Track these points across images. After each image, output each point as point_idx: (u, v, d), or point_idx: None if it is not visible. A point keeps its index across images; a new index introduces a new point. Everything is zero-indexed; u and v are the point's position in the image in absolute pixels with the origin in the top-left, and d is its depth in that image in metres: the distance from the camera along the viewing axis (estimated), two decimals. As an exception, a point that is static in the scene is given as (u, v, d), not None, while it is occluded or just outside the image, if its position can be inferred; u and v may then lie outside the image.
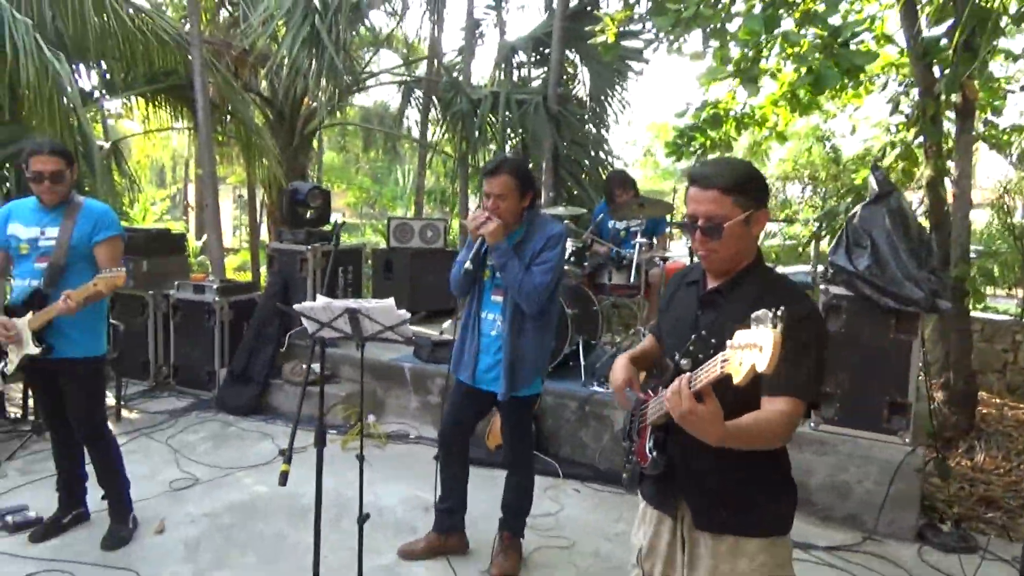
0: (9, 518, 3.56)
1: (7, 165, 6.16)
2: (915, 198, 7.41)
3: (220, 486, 4.17)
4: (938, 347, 6.47)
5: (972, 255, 5.76)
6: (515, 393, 3.10)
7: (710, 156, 7.27)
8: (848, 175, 10.76)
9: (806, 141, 12.73)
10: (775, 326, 1.40)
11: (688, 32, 5.02)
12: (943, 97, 5.34)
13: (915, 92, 6.35)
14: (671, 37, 5.42)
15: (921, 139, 5.87)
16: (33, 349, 3.22)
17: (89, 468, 3.64)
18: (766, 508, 1.91)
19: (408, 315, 2.45)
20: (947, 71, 5.03)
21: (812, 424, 4.03)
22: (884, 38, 6.93)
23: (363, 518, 2.65)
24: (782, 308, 1.42)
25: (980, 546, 3.70)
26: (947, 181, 5.88)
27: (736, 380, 1.45)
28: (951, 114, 5.69)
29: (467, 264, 2.99)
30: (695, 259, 2.12)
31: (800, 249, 10.83)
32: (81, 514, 3.63)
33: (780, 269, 10.13)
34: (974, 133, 6.10)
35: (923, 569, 3.50)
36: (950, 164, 5.82)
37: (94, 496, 3.67)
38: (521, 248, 3.02)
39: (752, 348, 1.42)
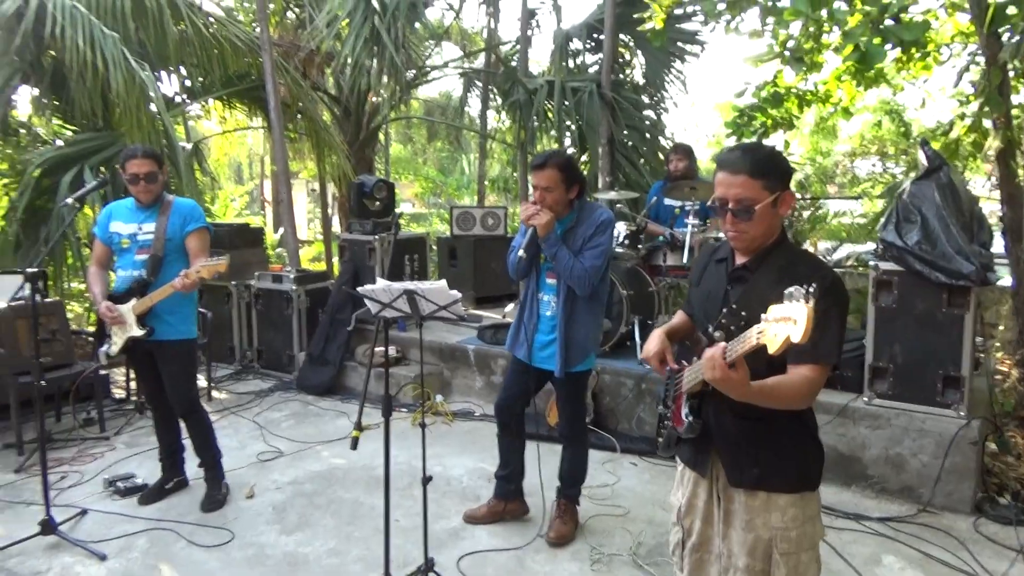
0: (120, 484, 4.00)
1: (102, 168, 6.69)
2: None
3: (302, 458, 4.53)
4: (1014, 325, 6.32)
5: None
6: (569, 369, 3.30)
7: (772, 135, 7.23)
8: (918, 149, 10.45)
9: (876, 116, 12.37)
10: (808, 301, 1.55)
11: (744, 11, 5.05)
12: (1009, 66, 5.21)
13: (983, 62, 6.19)
14: (728, 17, 5.45)
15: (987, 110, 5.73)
16: (137, 331, 3.62)
17: (186, 441, 4.05)
18: (795, 466, 2.05)
19: (459, 295, 2.68)
20: (1014, 39, 4.91)
21: (866, 398, 4.08)
22: (952, 6, 6.75)
23: (426, 479, 2.89)
24: (814, 285, 1.56)
25: (1040, 518, 3.71)
26: (1018, 153, 5.73)
27: (772, 350, 1.59)
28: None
29: (520, 252, 3.19)
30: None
31: (871, 227, 10.60)
32: (182, 481, 4.05)
33: (850, 248, 9.94)
34: (1046, 103, 5.92)
35: (978, 539, 3.54)
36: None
37: (191, 465, 4.08)
38: (572, 234, 3.21)
39: (787, 321, 1.56)
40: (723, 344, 1.78)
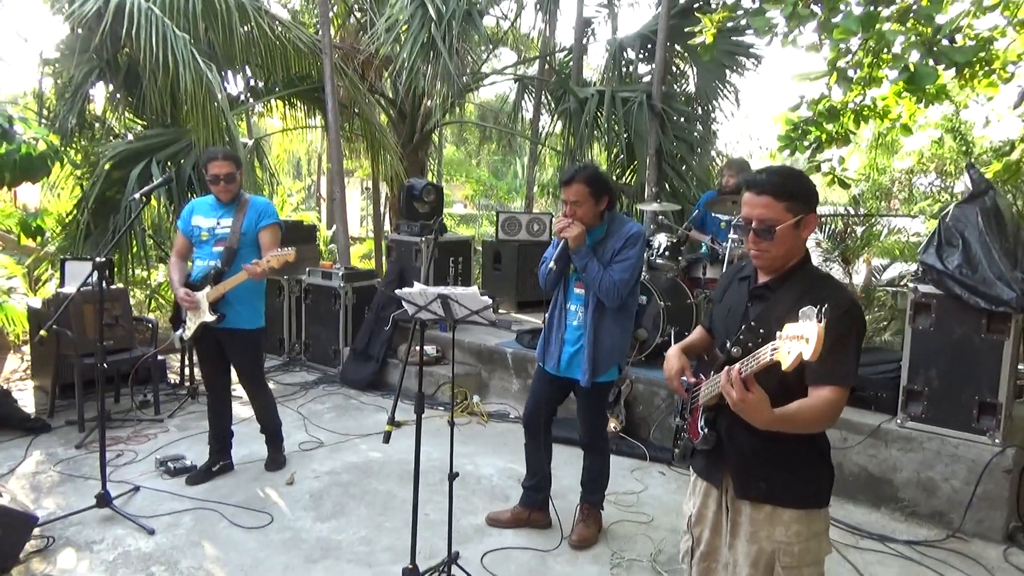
0: (170, 464, 4.24)
1: (168, 163, 7.03)
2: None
3: (341, 449, 4.72)
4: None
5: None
6: (595, 379, 3.37)
7: (826, 149, 7.16)
8: (983, 168, 10.17)
9: (939, 132, 12.06)
10: (820, 320, 1.63)
11: (803, 25, 5.04)
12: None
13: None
14: (786, 30, 5.44)
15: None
16: (209, 317, 3.92)
17: (235, 427, 4.32)
18: (802, 483, 2.10)
19: (490, 301, 2.80)
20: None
21: (899, 420, 4.06)
22: (1021, 24, 6.60)
23: (452, 476, 3.01)
24: (826, 306, 1.63)
25: (1076, 552, 3.65)
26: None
27: (785, 366, 1.67)
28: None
29: (551, 264, 3.27)
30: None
31: (925, 246, 10.35)
32: (227, 464, 4.29)
33: (903, 267, 9.67)
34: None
35: (1006, 568, 3.50)
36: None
37: (238, 451, 4.31)
38: (602, 246, 3.29)
39: (800, 339, 1.64)
40: (739, 363, 1.85)
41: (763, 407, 1.84)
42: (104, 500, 3.66)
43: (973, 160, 10.72)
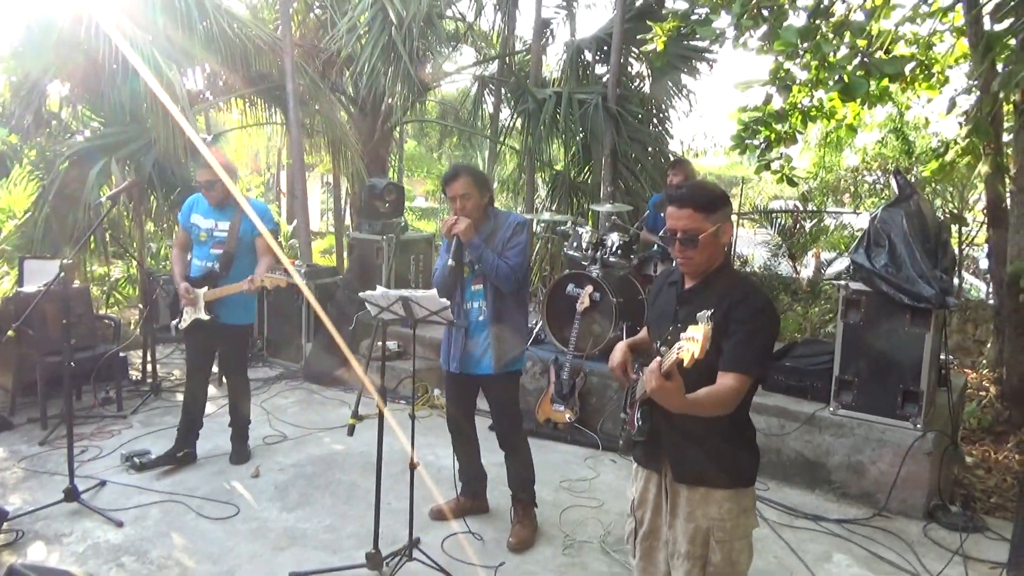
0: (136, 459, 4.34)
1: (127, 161, 7.03)
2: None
3: (304, 443, 4.86)
4: (994, 343, 6.56)
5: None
6: (503, 368, 3.50)
7: (776, 148, 7.47)
8: (921, 168, 10.65)
9: (883, 133, 12.56)
10: (708, 324, 1.85)
11: (752, 31, 5.28)
12: (1001, 95, 5.43)
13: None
14: (736, 34, 5.67)
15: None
16: (204, 316, 4.14)
17: (205, 419, 4.50)
18: (731, 465, 2.33)
19: (447, 302, 2.98)
20: (1007, 68, 5.11)
21: (832, 408, 4.36)
22: (957, 31, 6.95)
23: (413, 466, 3.20)
24: (712, 310, 1.87)
25: (988, 527, 3.97)
26: (1007, 178, 5.96)
27: (686, 363, 1.89)
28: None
29: (449, 261, 3.39)
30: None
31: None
32: (190, 453, 4.43)
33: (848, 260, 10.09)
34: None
35: (925, 543, 3.81)
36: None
37: (203, 445, 4.43)
38: (492, 239, 3.43)
39: (692, 340, 1.86)
40: (659, 359, 2.06)
41: (676, 394, 2.03)
42: (72, 494, 3.75)
43: (915, 159, 11.22)
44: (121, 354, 5.68)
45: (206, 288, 4.15)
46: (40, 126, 7.38)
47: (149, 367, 5.95)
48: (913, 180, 11.04)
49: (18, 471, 4.27)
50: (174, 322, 4.33)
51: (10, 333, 3.70)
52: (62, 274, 3.71)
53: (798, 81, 5.56)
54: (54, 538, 3.50)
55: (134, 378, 6.04)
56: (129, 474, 4.26)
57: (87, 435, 4.82)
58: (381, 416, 3.13)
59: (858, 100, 7.46)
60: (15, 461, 4.40)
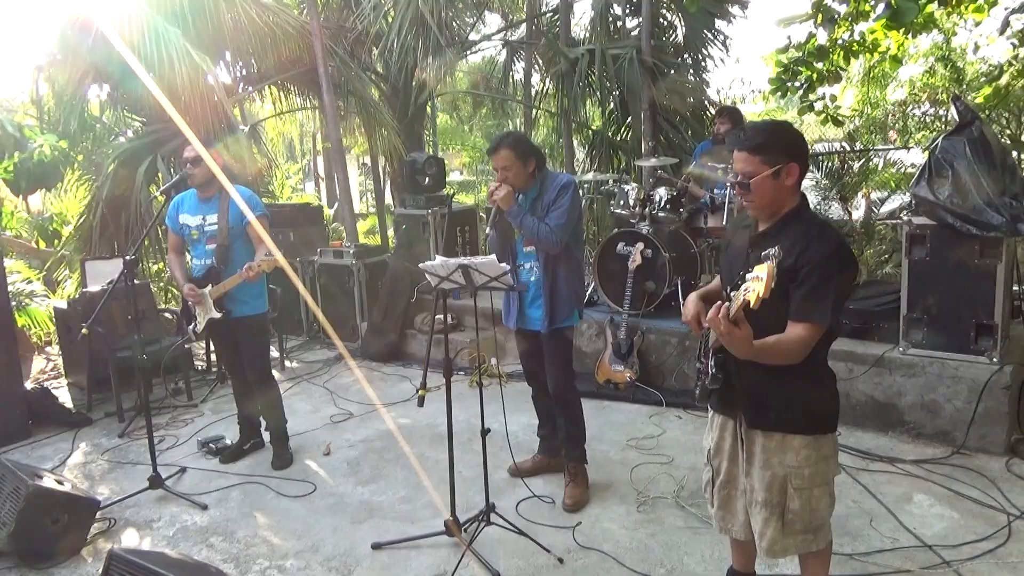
0: (212, 445, 4.47)
1: (171, 157, 7.14)
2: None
3: (370, 419, 4.95)
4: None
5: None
6: (554, 326, 3.54)
7: (818, 88, 7.23)
8: (973, 94, 10.20)
9: (929, 62, 12.04)
10: (772, 261, 1.81)
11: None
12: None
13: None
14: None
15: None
16: (216, 314, 4.04)
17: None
18: (807, 411, 2.29)
19: (507, 267, 2.97)
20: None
21: (901, 348, 4.25)
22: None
23: (485, 431, 3.23)
24: (776, 247, 1.84)
25: (1076, 459, 3.85)
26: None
27: (752, 305, 1.85)
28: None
29: (488, 229, 3.47)
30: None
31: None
32: (258, 442, 4.50)
33: (901, 199, 9.74)
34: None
35: (1008, 478, 3.71)
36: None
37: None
38: (539, 202, 3.46)
39: (758, 280, 1.82)
40: (723, 303, 2.03)
41: (745, 341, 2.01)
42: (156, 481, 3.89)
43: (966, 86, 10.75)
44: (187, 346, 5.83)
45: (210, 286, 4.03)
46: (84, 131, 7.53)
47: (213, 356, 6.11)
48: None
49: (103, 463, 4.44)
50: (190, 327, 4.18)
51: (84, 331, 3.81)
52: (125, 271, 3.78)
53: (839, 15, 5.36)
54: (144, 524, 3.64)
55: (199, 368, 6.22)
56: (207, 459, 4.39)
57: (162, 425, 4.99)
58: (449, 385, 3.16)
59: (902, 29, 7.19)
60: (99, 454, 4.57)
